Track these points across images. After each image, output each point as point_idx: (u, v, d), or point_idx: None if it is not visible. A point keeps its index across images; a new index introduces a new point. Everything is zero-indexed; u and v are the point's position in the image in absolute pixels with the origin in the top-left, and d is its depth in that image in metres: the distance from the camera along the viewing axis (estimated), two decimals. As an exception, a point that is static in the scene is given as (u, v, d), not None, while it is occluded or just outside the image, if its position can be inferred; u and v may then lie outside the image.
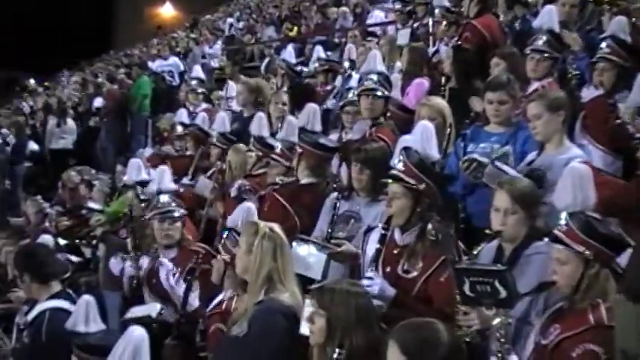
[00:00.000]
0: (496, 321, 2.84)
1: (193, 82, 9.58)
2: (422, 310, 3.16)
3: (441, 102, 4.84)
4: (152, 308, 4.43)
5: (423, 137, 3.66)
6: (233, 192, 5.48)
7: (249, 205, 4.17)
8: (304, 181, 4.69)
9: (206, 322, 3.94)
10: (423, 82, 6.02)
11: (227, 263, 3.84)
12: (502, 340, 2.81)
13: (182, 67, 13.45)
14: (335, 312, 2.92)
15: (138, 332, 3.22)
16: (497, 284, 2.78)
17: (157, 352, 4.12)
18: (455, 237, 3.55)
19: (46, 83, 25.28)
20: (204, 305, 4.11)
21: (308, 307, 3.14)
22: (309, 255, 3.79)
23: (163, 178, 5.37)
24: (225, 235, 3.96)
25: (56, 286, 4.33)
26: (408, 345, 2.46)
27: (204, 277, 4.36)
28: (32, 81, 28.83)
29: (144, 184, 5.90)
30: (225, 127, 6.72)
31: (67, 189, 8.46)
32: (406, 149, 3.59)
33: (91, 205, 7.26)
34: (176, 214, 4.85)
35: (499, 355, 2.80)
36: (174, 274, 4.57)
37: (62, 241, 6.15)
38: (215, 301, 3.98)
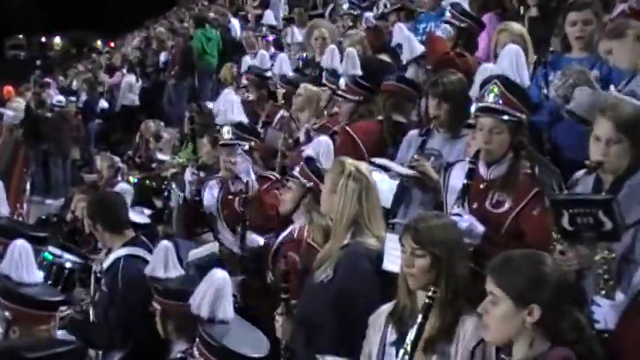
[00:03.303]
0: (598, 257, 2.60)
1: (264, 29, 9.36)
2: (514, 248, 2.88)
3: (521, 27, 4.63)
4: (213, 247, 4.40)
5: (513, 63, 3.36)
6: (302, 137, 5.37)
7: (324, 138, 4.13)
8: (380, 117, 4.59)
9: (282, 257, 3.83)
10: (493, 17, 5.78)
11: (307, 189, 3.78)
12: (606, 276, 2.58)
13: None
14: (438, 250, 2.66)
15: (220, 275, 3.18)
16: (601, 215, 2.52)
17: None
18: (554, 168, 3.27)
19: (111, 44, 25.63)
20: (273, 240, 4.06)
21: (391, 242, 2.99)
22: (380, 182, 3.61)
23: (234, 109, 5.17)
24: (304, 163, 3.90)
25: (129, 234, 4.30)
26: (510, 282, 2.29)
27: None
28: (99, 42, 29.38)
29: None
30: (286, 70, 6.56)
31: (143, 139, 8.57)
32: (500, 77, 3.30)
33: (160, 156, 7.27)
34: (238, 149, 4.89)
35: (602, 292, 2.58)
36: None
37: (132, 179, 6.18)
38: (285, 233, 3.93)
